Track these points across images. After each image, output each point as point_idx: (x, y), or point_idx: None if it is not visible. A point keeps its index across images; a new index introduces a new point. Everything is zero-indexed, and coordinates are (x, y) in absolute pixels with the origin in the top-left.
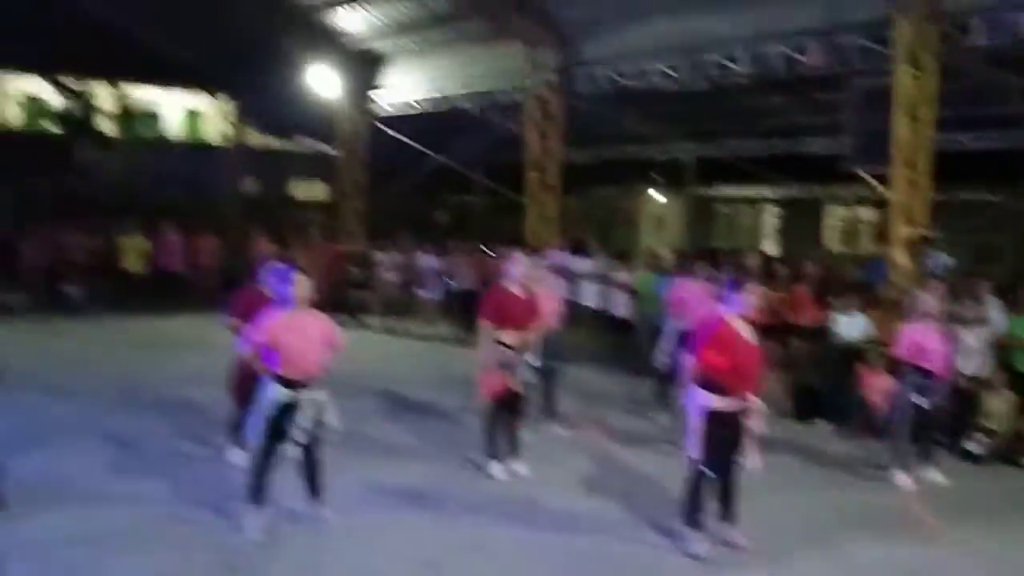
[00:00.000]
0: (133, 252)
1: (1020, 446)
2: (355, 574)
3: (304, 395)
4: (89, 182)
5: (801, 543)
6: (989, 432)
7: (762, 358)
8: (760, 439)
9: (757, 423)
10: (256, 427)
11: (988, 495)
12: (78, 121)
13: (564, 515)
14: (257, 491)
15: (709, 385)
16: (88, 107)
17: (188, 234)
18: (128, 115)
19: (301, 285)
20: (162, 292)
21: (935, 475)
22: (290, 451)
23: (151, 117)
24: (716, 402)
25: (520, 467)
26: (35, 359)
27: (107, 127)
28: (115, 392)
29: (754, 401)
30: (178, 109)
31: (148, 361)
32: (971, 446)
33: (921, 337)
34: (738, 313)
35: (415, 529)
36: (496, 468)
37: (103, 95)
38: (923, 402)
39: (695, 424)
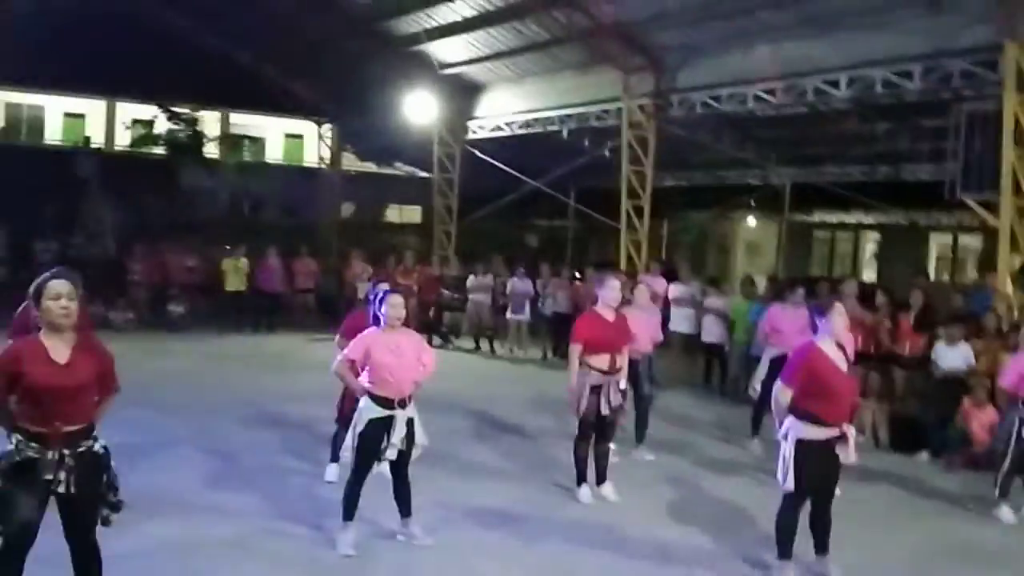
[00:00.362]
0: (234, 272)
1: None
2: None
3: (397, 413)
4: (194, 204)
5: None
6: None
7: (856, 386)
8: (855, 469)
9: (851, 453)
10: (351, 444)
11: None
12: (185, 146)
13: (651, 543)
14: (350, 508)
15: (802, 414)
16: (195, 132)
17: (287, 256)
18: (232, 140)
19: (395, 305)
20: (262, 312)
21: None
22: (383, 469)
23: (254, 142)
24: (809, 431)
25: (609, 492)
26: (140, 375)
27: (212, 151)
28: (218, 408)
29: (848, 430)
30: (280, 134)
31: (250, 378)
32: None
33: None
34: (829, 340)
35: (503, 550)
36: (584, 492)
37: (209, 121)
38: None
39: (788, 453)
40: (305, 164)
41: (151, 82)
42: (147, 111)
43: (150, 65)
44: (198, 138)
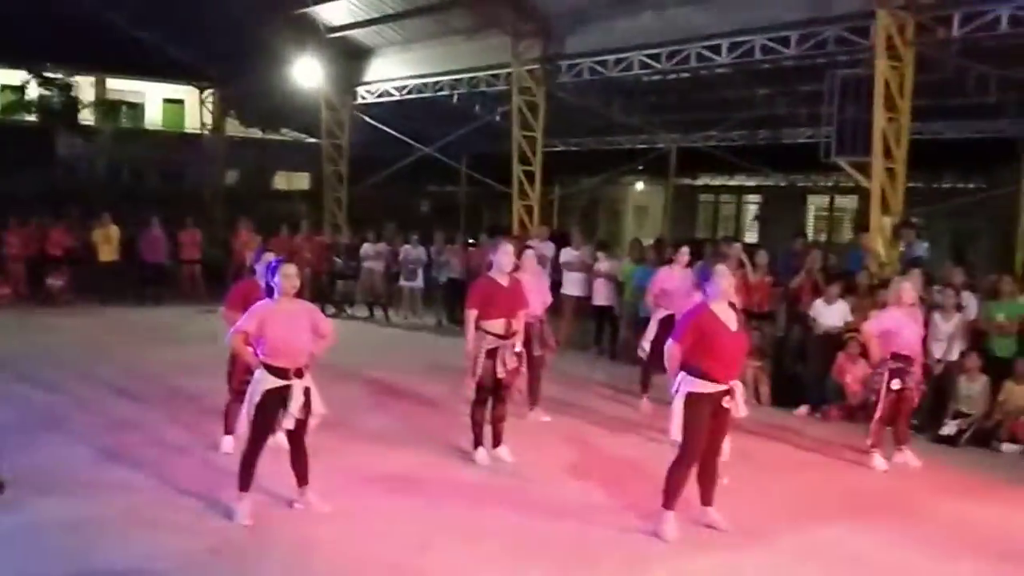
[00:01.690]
0: (105, 242)
1: (993, 429)
2: (343, 558)
3: (294, 383)
4: (71, 173)
5: (779, 524)
6: (963, 416)
7: (743, 344)
8: (739, 423)
9: (738, 408)
10: (246, 415)
11: (961, 476)
12: (59, 112)
13: (549, 500)
14: (246, 478)
15: (692, 371)
16: (69, 98)
17: (171, 226)
18: (110, 106)
19: (289, 275)
20: (146, 284)
21: (910, 458)
22: (279, 439)
23: (132, 108)
24: (699, 387)
25: (505, 454)
26: (22, 352)
27: (88, 118)
28: (105, 382)
29: (736, 386)
30: (159, 100)
31: (136, 352)
32: (946, 429)
33: (896, 323)
34: (718, 300)
35: (402, 514)
36: (481, 455)
37: (84, 86)
38: (898, 387)
39: (678, 409)
40: (186, 130)
41: (21, 46)
42: (17, 76)
43: (20, 28)
44: (72, 104)
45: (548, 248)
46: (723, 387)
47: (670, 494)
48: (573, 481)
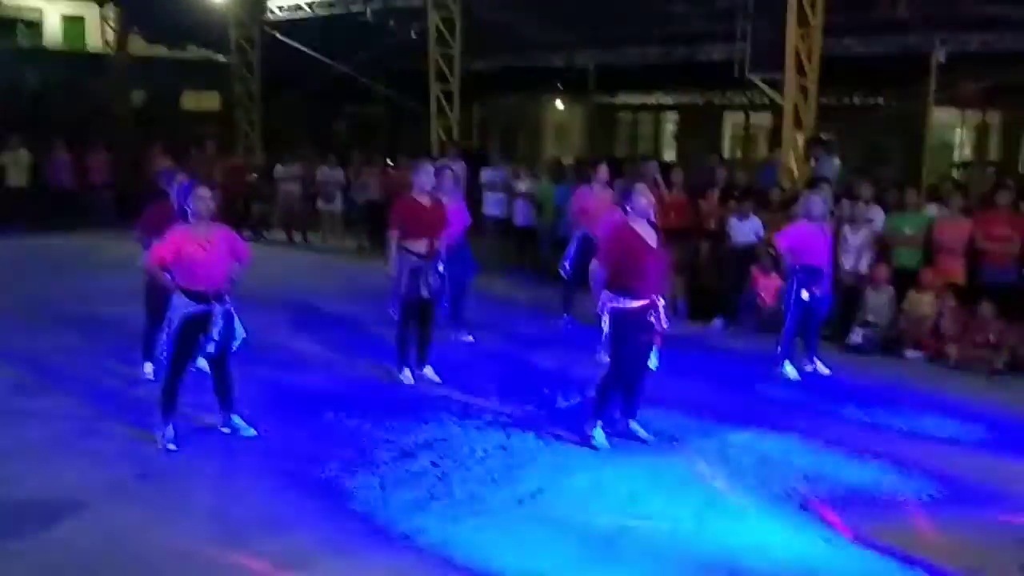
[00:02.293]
0: (15, 166)
1: (899, 337)
2: (270, 478)
3: (214, 308)
4: None
5: (694, 430)
6: (871, 325)
7: (665, 260)
8: (662, 337)
9: (661, 322)
10: (166, 341)
11: (868, 383)
12: None
13: (475, 415)
14: (169, 404)
15: (616, 288)
16: None
17: (77, 149)
18: (5, 23)
19: (203, 198)
20: (53, 210)
21: (820, 366)
22: (200, 363)
23: (30, 26)
24: (623, 303)
25: (430, 373)
26: None
27: None
28: (17, 311)
29: (658, 301)
30: (57, 17)
31: (48, 280)
32: (854, 338)
33: (806, 236)
34: (638, 217)
35: (329, 433)
36: (406, 374)
37: None
38: (808, 298)
39: (605, 325)
40: (89, 49)
41: None
42: None
43: None
44: None
45: (459, 167)
46: (646, 302)
47: (599, 406)
48: (499, 397)
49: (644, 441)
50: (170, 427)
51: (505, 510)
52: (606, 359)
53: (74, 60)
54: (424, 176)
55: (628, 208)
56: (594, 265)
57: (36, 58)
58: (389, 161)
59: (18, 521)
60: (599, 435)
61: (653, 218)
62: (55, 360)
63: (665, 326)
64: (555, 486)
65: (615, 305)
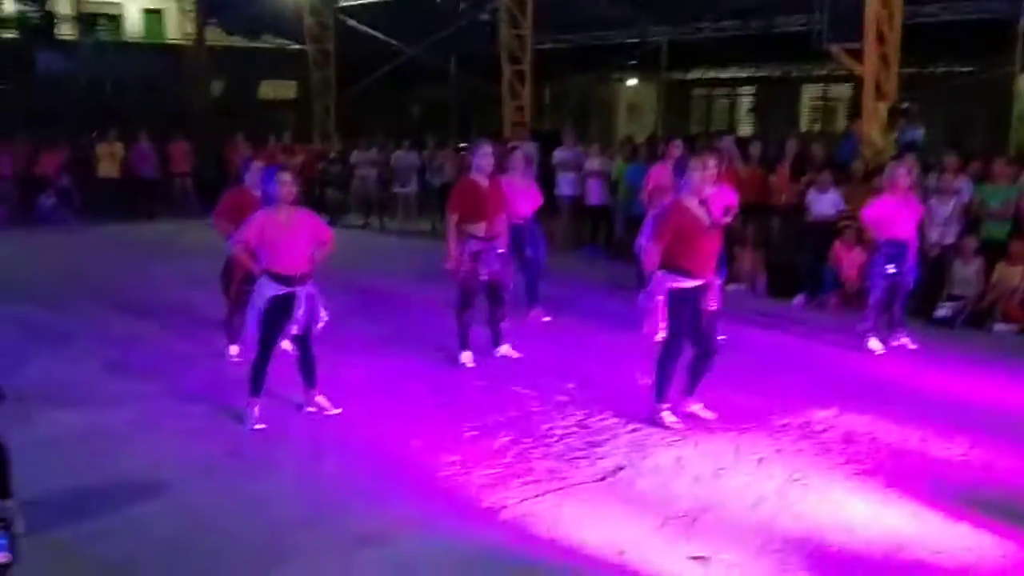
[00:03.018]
0: (109, 158)
1: (988, 310)
2: (353, 456)
3: (297, 290)
4: (52, 90)
5: (776, 408)
6: (958, 298)
7: (717, 238)
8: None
9: (715, 300)
10: (253, 323)
11: (957, 357)
12: (37, 27)
13: (551, 395)
14: (257, 384)
15: (670, 267)
16: (47, 12)
17: (159, 139)
18: (87, 19)
19: (285, 182)
20: (136, 199)
21: (906, 341)
22: (286, 344)
23: (111, 20)
24: (677, 282)
25: (508, 350)
26: (21, 272)
27: (67, 32)
28: (105, 298)
29: (714, 280)
30: (138, 10)
31: (133, 267)
32: (941, 312)
33: (892, 208)
34: (691, 195)
35: (407, 415)
36: (467, 356)
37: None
38: (894, 271)
39: (660, 305)
40: (168, 41)
41: None
42: None
43: None
44: (50, 19)
45: (531, 148)
46: (700, 282)
47: (661, 386)
48: (574, 376)
49: (711, 422)
50: (257, 407)
51: (586, 486)
52: (662, 336)
53: (154, 52)
54: (482, 157)
55: (681, 185)
56: (647, 245)
57: (117, 51)
58: (461, 143)
59: (108, 501)
60: (667, 416)
61: (705, 196)
62: (142, 343)
63: (715, 306)
64: (636, 463)
65: (671, 284)
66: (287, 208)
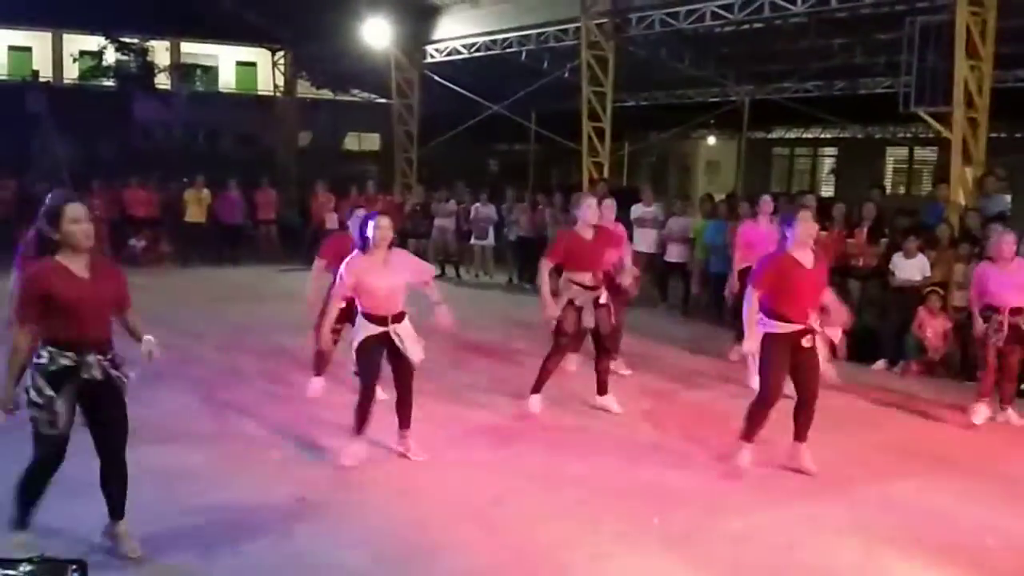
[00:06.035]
0: (196, 203)
1: None
2: (437, 505)
3: (391, 328)
4: (148, 137)
5: (858, 476)
6: None
7: (820, 282)
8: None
9: (817, 344)
10: (356, 361)
11: None
12: (135, 77)
13: (628, 450)
14: (362, 422)
15: (768, 313)
16: (145, 63)
17: (246, 187)
18: (185, 70)
19: (383, 227)
20: (224, 244)
21: (1012, 416)
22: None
23: (206, 71)
24: (775, 327)
25: (610, 402)
26: None
27: (164, 82)
28: (192, 340)
29: (812, 324)
30: (232, 62)
31: (219, 311)
32: None
33: (996, 277)
34: (796, 244)
35: (489, 463)
36: (534, 401)
37: (159, 50)
38: (999, 341)
39: (760, 351)
40: (259, 92)
41: (97, 12)
42: (94, 42)
43: None
44: (148, 68)
45: (610, 204)
46: (800, 326)
47: (748, 430)
48: (652, 432)
49: (809, 477)
50: (357, 444)
51: (652, 551)
52: (758, 382)
53: (246, 103)
54: (586, 209)
55: (788, 234)
56: (748, 291)
57: (211, 101)
58: (539, 198)
59: (200, 540)
60: (746, 456)
61: (813, 247)
62: (227, 386)
63: (823, 352)
64: (706, 528)
65: (767, 329)
66: (382, 251)
